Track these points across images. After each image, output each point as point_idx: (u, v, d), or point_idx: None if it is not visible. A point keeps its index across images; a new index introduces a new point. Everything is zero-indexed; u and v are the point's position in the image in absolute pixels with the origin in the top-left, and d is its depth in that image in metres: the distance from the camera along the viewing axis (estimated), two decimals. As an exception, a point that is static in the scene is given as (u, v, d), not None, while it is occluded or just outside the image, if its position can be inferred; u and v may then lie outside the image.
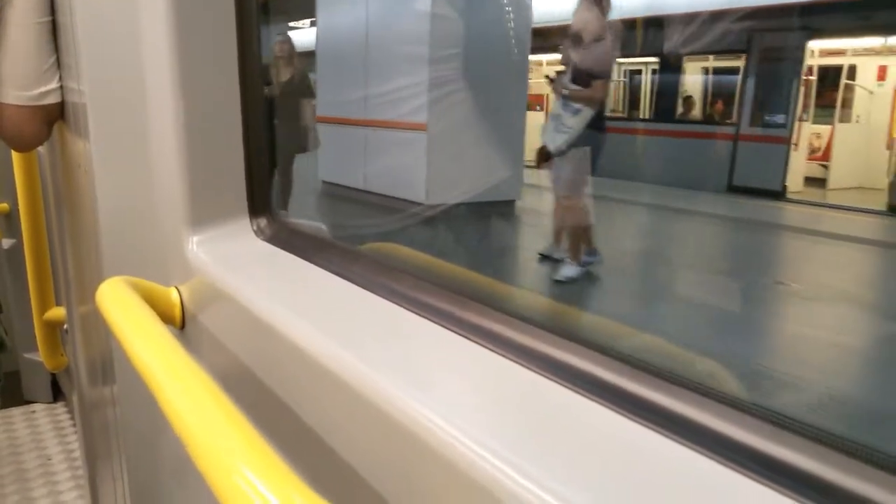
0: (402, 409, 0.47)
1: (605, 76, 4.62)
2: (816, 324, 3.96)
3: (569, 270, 4.52)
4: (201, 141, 0.87)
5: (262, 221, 0.92)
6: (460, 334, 0.57)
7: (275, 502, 0.38)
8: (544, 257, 4.88)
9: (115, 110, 0.95)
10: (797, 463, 0.36)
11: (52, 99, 1.11)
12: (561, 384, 0.47)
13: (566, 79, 4.50)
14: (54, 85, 1.11)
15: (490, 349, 0.53)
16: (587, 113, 4.43)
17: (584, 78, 4.41)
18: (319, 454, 0.58)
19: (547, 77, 4.88)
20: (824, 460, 0.35)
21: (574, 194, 4.65)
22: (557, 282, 4.49)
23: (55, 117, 1.15)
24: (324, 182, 8.59)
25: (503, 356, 0.52)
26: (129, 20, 0.92)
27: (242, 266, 0.83)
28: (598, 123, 4.55)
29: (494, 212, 5.72)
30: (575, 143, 4.43)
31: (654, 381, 0.44)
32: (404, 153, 7.45)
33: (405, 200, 7.26)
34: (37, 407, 2.95)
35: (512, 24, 7.04)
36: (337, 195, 8.28)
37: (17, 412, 2.90)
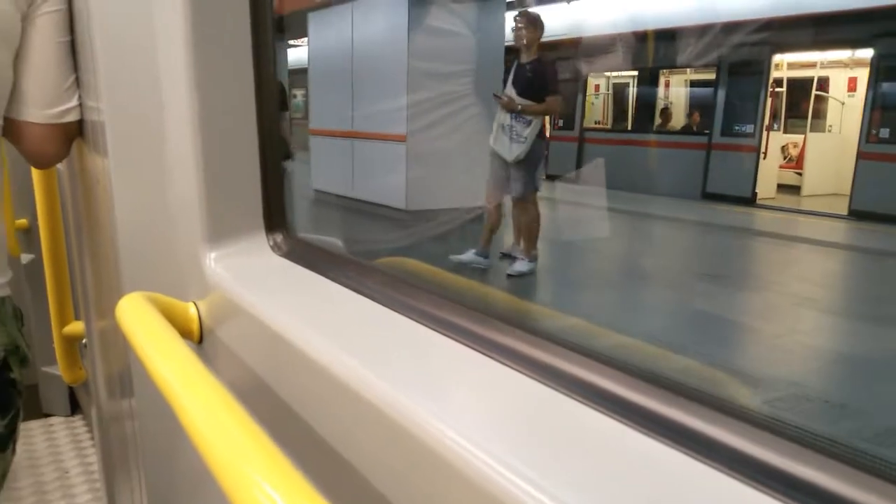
0: (418, 423, 0.48)
1: (553, 90, 5.06)
2: (710, 302, 4.82)
3: (520, 266, 5.05)
4: (218, 158, 0.88)
5: (279, 237, 0.93)
6: (475, 349, 0.57)
7: None
8: (504, 255, 5.37)
9: (134, 128, 0.97)
10: (810, 477, 0.36)
11: (73, 117, 1.13)
12: (575, 398, 0.47)
13: (513, 93, 4.95)
14: (74, 103, 1.13)
15: (504, 364, 0.54)
16: (538, 123, 4.95)
17: (532, 92, 4.90)
18: (335, 468, 0.58)
19: (495, 95, 5.17)
20: (835, 473, 0.35)
21: (525, 199, 5.11)
22: (510, 276, 4.96)
23: (74, 135, 1.17)
24: (315, 191, 9.14)
25: (517, 370, 0.52)
26: (147, 40, 0.94)
27: (259, 281, 0.84)
28: (541, 133, 5.08)
29: (471, 217, 6.06)
30: (529, 152, 4.94)
31: (668, 396, 0.45)
32: (386, 163, 8.04)
33: (388, 207, 7.91)
34: (55, 420, 2.97)
35: (487, 42, 7.63)
36: (327, 203, 8.82)
37: (35, 425, 2.92)
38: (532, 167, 5.02)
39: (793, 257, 6.99)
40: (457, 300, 0.65)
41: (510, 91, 4.96)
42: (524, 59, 4.99)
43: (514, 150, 4.94)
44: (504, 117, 4.97)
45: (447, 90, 7.32)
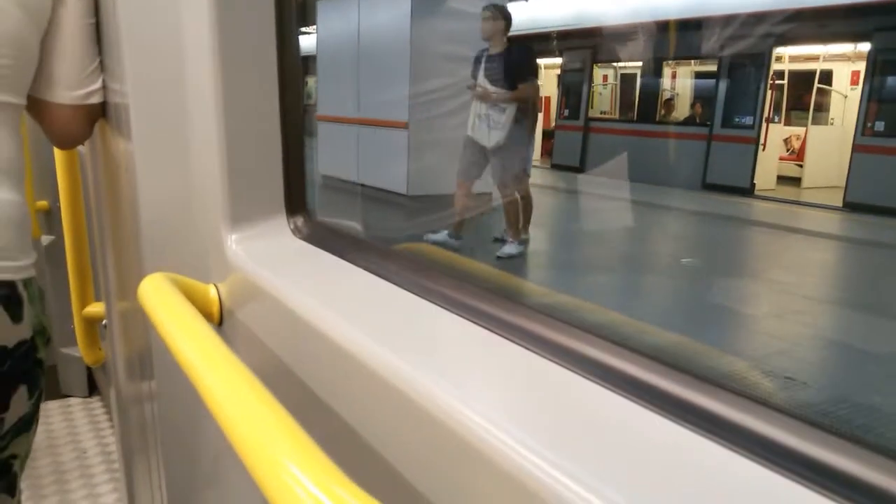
0: (439, 404, 0.48)
1: (523, 78, 5.19)
2: (677, 285, 5.28)
3: (509, 249, 5.29)
4: (240, 141, 0.88)
5: (299, 220, 0.93)
6: (496, 332, 0.57)
7: (326, 501, 0.39)
8: (496, 239, 5.63)
9: (157, 111, 0.97)
10: (843, 466, 0.35)
11: (97, 98, 1.14)
12: (598, 383, 0.47)
13: (486, 83, 5.11)
14: (98, 85, 1.14)
15: (525, 347, 0.54)
16: (512, 109, 5.10)
17: (504, 80, 5.07)
18: (356, 449, 0.58)
19: (468, 86, 5.34)
20: (866, 462, 0.35)
21: (510, 184, 5.31)
22: (499, 258, 5.26)
23: (98, 116, 1.18)
24: (323, 176, 9.32)
25: (538, 354, 0.52)
26: (172, 23, 0.94)
27: (280, 264, 0.84)
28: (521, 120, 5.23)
29: (472, 202, 6.21)
30: (510, 138, 5.10)
31: (691, 381, 0.44)
32: (389, 149, 8.25)
33: (390, 192, 8.17)
34: (73, 401, 3.01)
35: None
36: (334, 188, 9.01)
37: (54, 405, 2.96)
38: (514, 153, 5.20)
39: (779, 246, 7.30)
40: (475, 283, 0.65)
41: (482, 81, 5.13)
42: (493, 50, 5.17)
43: (493, 137, 5.11)
44: (480, 106, 5.16)
45: (448, 79, 7.42)
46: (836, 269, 6.53)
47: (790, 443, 0.37)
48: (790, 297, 5.00)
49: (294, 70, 0.90)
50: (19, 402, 1.13)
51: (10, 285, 1.05)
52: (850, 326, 4.43)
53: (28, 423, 1.18)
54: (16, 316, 1.07)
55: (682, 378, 0.45)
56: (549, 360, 0.51)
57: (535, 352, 0.53)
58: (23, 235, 1.08)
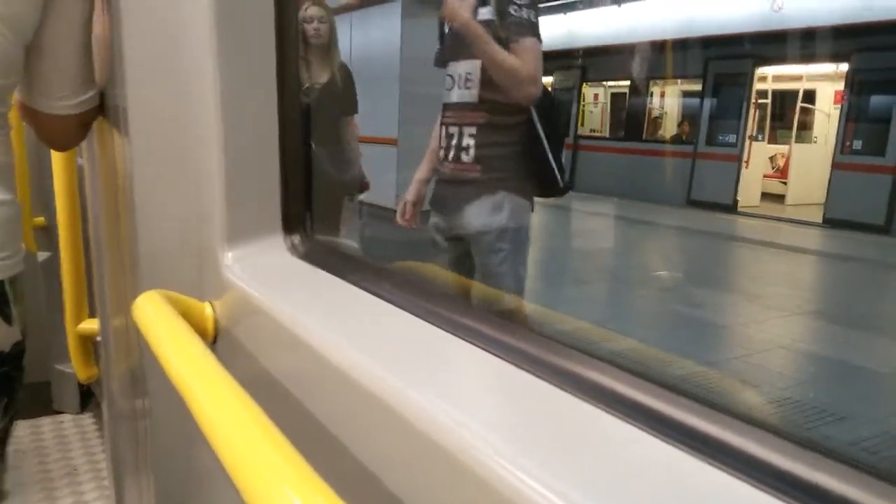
0: (435, 425, 0.47)
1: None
2: (645, 294, 5.62)
3: None
4: (239, 159, 0.88)
5: (296, 239, 0.93)
6: (491, 352, 0.57)
7: None
8: None
9: (157, 128, 0.97)
10: (842, 491, 0.35)
11: (90, 105, 1.13)
12: (591, 403, 0.47)
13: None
14: (92, 92, 1.13)
15: (521, 367, 0.54)
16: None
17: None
18: (350, 470, 0.58)
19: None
20: (860, 484, 0.35)
21: None
22: None
23: (92, 119, 1.18)
24: None
25: (537, 376, 0.52)
26: (172, 40, 0.94)
27: (276, 282, 0.84)
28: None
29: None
30: None
31: (681, 401, 0.44)
32: (380, 164, 8.24)
33: (379, 206, 8.15)
34: (65, 417, 2.99)
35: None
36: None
37: (46, 421, 2.94)
38: None
39: (753, 260, 7.74)
40: (472, 303, 0.65)
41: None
42: None
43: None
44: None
45: (438, 96, 7.53)
46: (804, 282, 6.86)
47: (791, 468, 0.37)
48: (752, 306, 5.34)
49: (293, 88, 0.90)
50: None
51: None
52: (807, 333, 4.82)
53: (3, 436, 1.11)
54: (7, 317, 1.04)
55: (678, 400, 0.45)
56: (548, 382, 0.51)
57: (533, 373, 0.52)
58: (10, 232, 1.06)
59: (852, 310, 5.27)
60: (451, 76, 2.22)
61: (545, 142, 2.17)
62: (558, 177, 2.23)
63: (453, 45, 2.21)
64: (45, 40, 1.05)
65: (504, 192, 2.15)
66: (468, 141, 2.17)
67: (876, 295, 5.89)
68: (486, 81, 2.10)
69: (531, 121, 2.14)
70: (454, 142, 2.21)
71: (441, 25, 2.33)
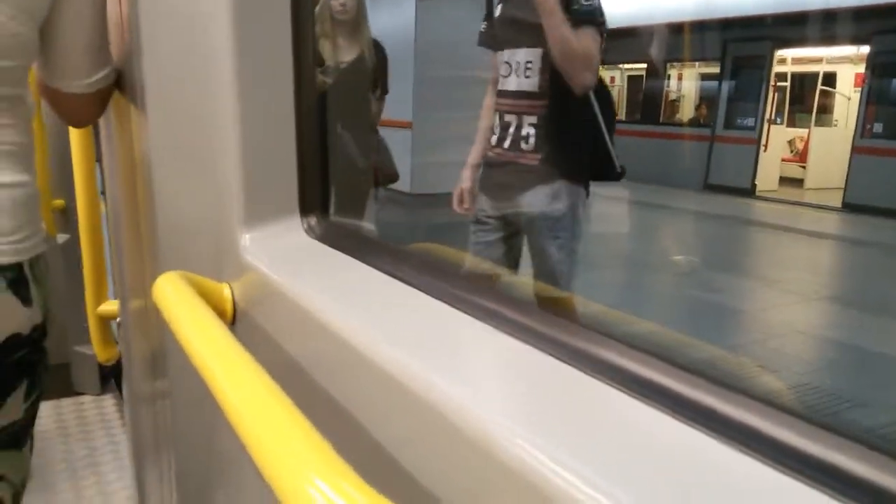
0: (458, 408, 0.47)
1: None
2: (659, 278, 5.64)
3: None
4: (256, 141, 0.88)
5: (313, 220, 0.93)
6: (510, 334, 0.57)
7: None
8: None
9: (174, 107, 0.97)
10: (857, 470, 0.35)
11: (107, 82, 1.14)
12: (611, 385, 0.47)
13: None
14: (109, 69, 1.14)
15: (540, 349, 0.53)
16: None
17: None
18: (370, 452, 0.58)
19: None
20: (874, 463, 0.35)
21: None
22: None
23: (109, 95, 1.18)
24: None
25: (557, 357, 0.52)
26: (191, 25, 0.94)
27: (294, 263, 0.84)
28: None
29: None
30: None
31: (700, 382, 0.44)
32: (394, 148, 8.22)
33: (393, 190, 8.10)
34: (85, 399, 3.03)
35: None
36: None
37: (67, 402, 2.98)
38: None
39: (772, 244, 7.70)
40: (489, 284, 0.65)
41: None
42: None
43: None
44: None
45: (453, 78, 7.53)
46: (823, 266, 6.90)
47: (808, 448, 0.37)
48: (770, 290, 5.39)
49: (309, 71, 0.90)
50: (15, 402, 1.08)
51: (16, 267, 1.03)
52: (825, 318, 4.85)
53: (18, 438, 1.11)
54: (26, 299, 1.05)
55: (697, 381, 0.44)
56: (567, 363, 0.51)
57: (552, 355, 0.52)
58: (28, 213, 1.07)
59: (871, 295, 5.25)
60: (508, 63, 2.21)
61: (604, 128, 2.19)
62: (615, 162, 2.26)
63: (513, 32, 2.21)
64: (59, 21, 1.05)
65: (563, 179, 2.18)
66: (528, 130, 2.18)
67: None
68: (546, 69, 2.10)
69: (591, 107, 2.15)
70: (512, 130, 2.21)
71: (490, 4, 2.33)
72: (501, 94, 2.25)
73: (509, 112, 2.23)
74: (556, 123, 2.15)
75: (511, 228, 2.30)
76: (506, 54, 2.21)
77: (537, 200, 2.20)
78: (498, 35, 2.29)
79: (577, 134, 2.17)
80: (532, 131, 2.17)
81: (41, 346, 1.11)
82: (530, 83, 2.15)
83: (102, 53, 1.12)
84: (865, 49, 9.57)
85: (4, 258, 1.02)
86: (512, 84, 2.19)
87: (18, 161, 1.05)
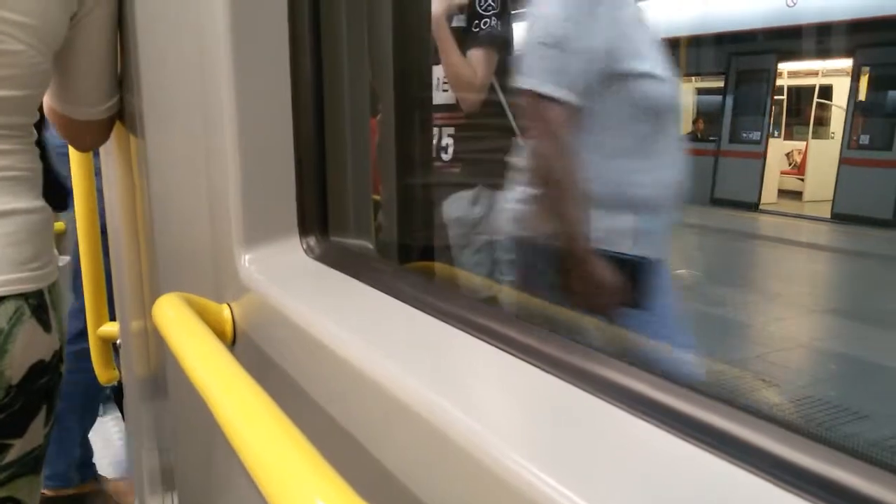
0: (457, 427, 0.47)
1: None
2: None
3: None
4: (255, 162, 0.89)
5: (312, 240, 0.93)
6: (513, 354, 0.57)
7: None
8: None
9: (172, 131, 0.98)
10: (852, 484, 0.35)
11: (114, 110, 1.16)
12: (616, 405, 0.47)
13: None
14: (117, 98, 1.15)
15: (544, 370, 0.53)
16: None
17: None
18: (371, 470, 0.58)
19: None
20: (869, 477, 0.35)
21: None
22: None
23: (114, 121, 1.21)
24: None
25: (558, 377, 0.52)
26: (188, 45, 0.95)
27: (293, 284, 0.84)
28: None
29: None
30: None
31: (700, 399, 0.44)
32: None
33: None
34: (86, 420, 3.02)
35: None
36: None
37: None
38: None
39: (771, 257, 7.96)
40: (490, 303, 0.65)
41: None
42: None
43: None
44: None
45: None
46: (821, 279, 7.04)
47: (803, 461, 0.37)
48: (771, 304, 5.59)
49: (306, 89, 0.91)
50: (36, 428, 1.06)
51: (39, 294, 1.03)
52: (825, 331, 4.98)
53: (38, 462, 1.10)
54: (47, 325, 1.04)
55: (697, 398, 0.44)
56: (573, 384, 0.51)
57: (557, 376, 0.52)
58: (44, 239, 1.07)
59: (868, 307, 5.32)
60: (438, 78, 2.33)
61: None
62: None
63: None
64: (74, 50, 1.06)
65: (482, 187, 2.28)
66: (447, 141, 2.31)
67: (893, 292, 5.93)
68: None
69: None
70: (434, 142, 2.35)
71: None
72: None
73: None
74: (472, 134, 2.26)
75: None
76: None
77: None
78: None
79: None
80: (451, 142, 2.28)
81: (60, 372, 1.10)
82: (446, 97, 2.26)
83: (113, 81, 1.14)
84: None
85: (30, 285, 1.01)
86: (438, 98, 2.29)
87: (33, 186, 1.06)
